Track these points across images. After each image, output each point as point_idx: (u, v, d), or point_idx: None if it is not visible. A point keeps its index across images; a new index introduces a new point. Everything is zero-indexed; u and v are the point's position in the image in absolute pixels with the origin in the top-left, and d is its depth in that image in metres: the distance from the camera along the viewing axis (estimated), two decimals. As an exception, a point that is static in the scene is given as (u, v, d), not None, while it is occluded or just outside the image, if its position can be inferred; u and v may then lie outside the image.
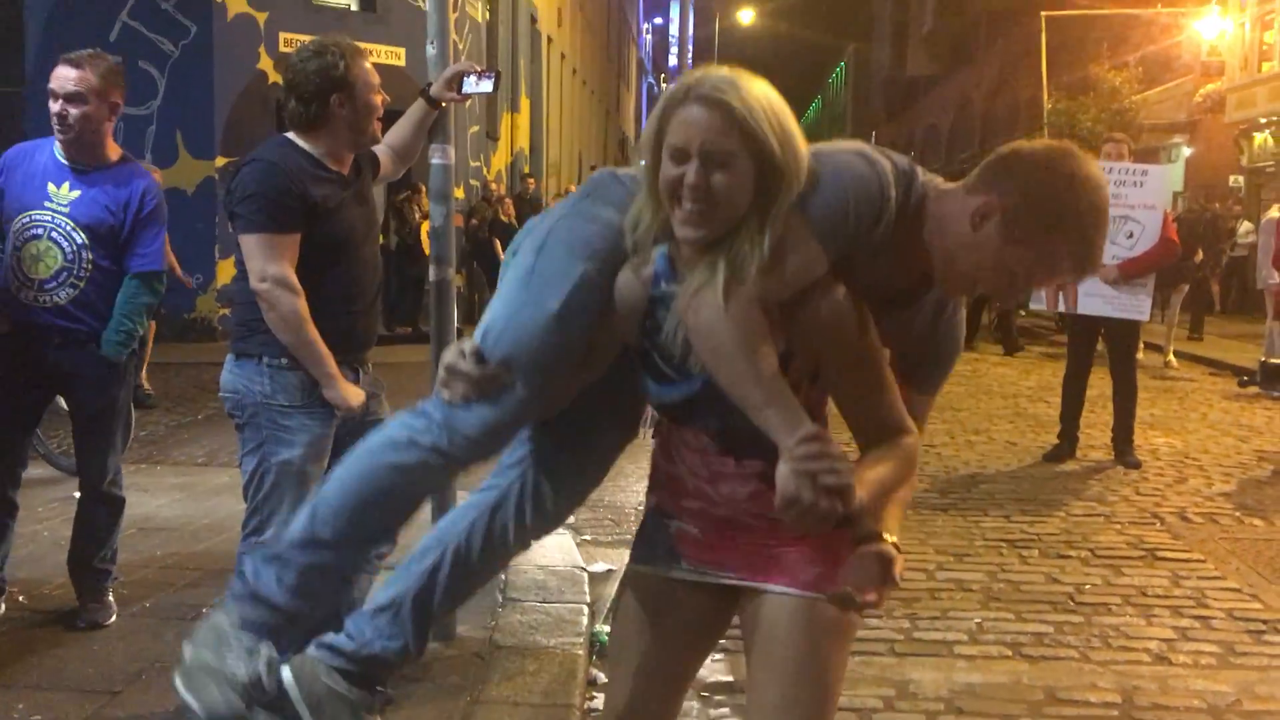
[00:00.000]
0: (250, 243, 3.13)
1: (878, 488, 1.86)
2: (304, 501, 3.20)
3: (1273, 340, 10.52)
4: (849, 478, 1.71)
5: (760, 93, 1.85)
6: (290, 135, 3.27)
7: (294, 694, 2.03)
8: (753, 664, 2.05)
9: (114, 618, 4.02)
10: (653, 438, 2.18)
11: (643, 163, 1.97)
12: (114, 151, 3.96)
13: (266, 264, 3.08)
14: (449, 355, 2.04)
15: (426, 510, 3.82)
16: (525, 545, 2.25)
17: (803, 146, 1.89)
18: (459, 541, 2.16)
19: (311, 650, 2.10)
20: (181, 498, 5.81)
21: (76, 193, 3.84)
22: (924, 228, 1.98)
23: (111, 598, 4.08)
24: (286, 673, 2.04)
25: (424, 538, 2.23)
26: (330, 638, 2.11)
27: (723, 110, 1.81)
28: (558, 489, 2.19)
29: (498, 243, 14.01)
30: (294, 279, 3.10)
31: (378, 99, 3.27)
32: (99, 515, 4.07)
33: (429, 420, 2.06)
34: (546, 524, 2.23)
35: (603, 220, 2.03)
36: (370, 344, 3.44)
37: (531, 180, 18.44)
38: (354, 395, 3.20)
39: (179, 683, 2.06)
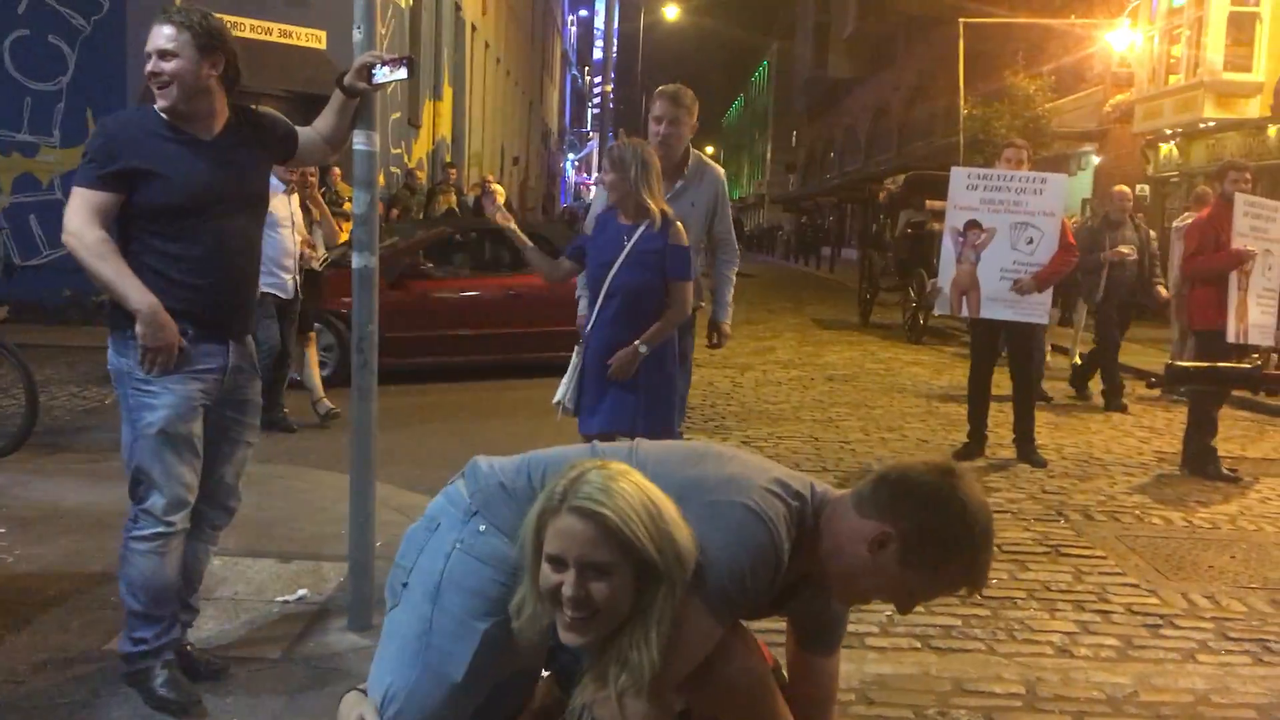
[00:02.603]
0: (70, 195, 3.23)
1: None
2: (178, 463, 3.23)
3: (1181, 346, 10.80)
4: None
5: (635, 497, 1.82)
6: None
7: None
8: None
9: None
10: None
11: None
12: None
13: (70, 217, 3.18)
14: None
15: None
16: None
17: (685, 539, 1.86)
18: None
19: None
20: (87, 484, 5.66)
21: None
22: (819, 545, 2.03)
23: None
24: None
25: None
26: None
27: (596, 521, 1.79)
28: None
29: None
30: (85, 225, 3.14)
31: (150, 66, 3.22)
32: None
33: None
34: None
35: (498, 558, 1.98)
36: (236, 318, 3.40)
37: (454, 170, 18.30)
38: (158, 334, 3.14)
39: None
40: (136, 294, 3.14)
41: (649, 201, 4.49)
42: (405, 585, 2.05)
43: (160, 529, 3.24)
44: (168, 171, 3.20)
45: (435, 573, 1.99)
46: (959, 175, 7.64)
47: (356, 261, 3.76)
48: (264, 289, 6.80)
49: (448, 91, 22.19)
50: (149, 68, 3.22)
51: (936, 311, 7.76)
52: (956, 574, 1.99)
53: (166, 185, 3.20)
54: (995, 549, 2.07)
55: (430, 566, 2.00)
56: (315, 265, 7.92)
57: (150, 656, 3.26)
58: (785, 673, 2.26)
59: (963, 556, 1.97)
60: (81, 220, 3.16)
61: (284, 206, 7.27)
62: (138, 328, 3.15)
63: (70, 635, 3.72)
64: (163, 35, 3.20)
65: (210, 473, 3.45)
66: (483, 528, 2.01)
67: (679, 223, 4.60)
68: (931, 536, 1.95)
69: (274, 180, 6.91)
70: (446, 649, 1.95)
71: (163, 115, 3.25)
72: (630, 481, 1.85)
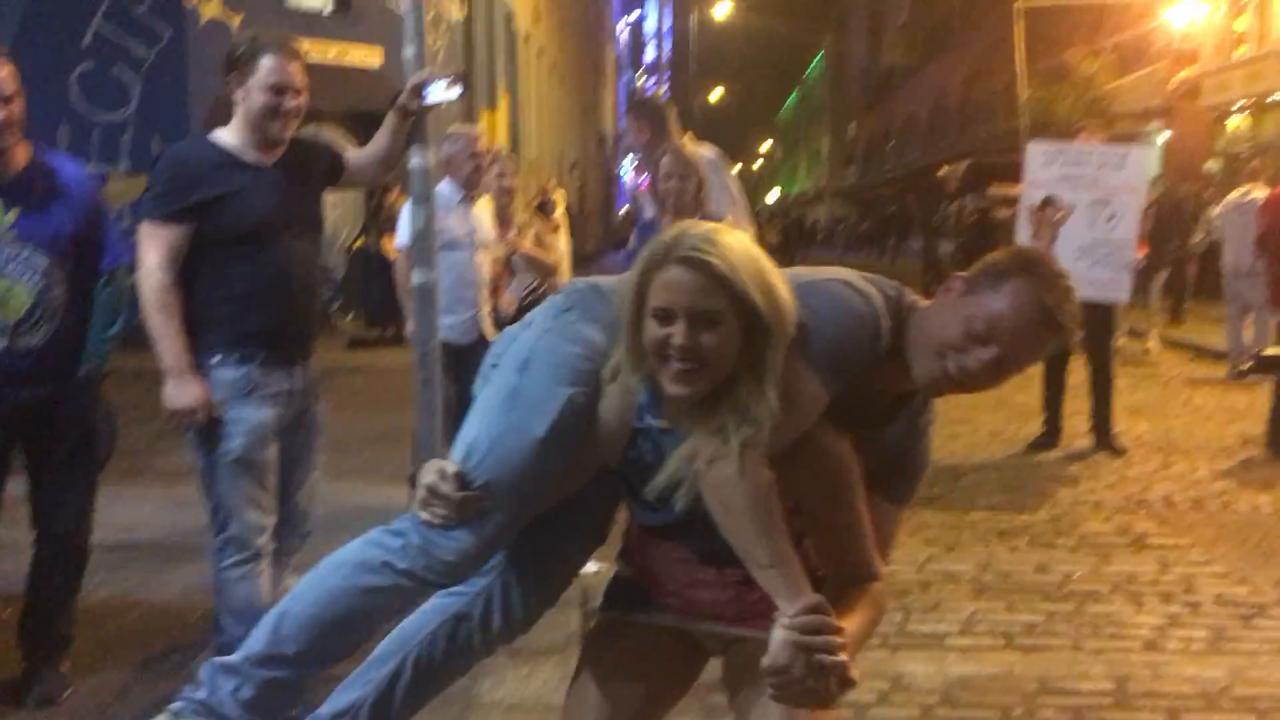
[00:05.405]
0: (140, 230, 3.24)
1: (856, 644, 1.89)
2: (256, 489, 3.28)
3: (1264, 328, 10.37)
4: (843, 658, 1.72)
5: (740, 248, 1.86)
6: (216, 131, 3.36)
7: None
8: (750, 704, 2.04)
9: (68, 692, 3.47)
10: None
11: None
12: (23, 150, 3.35)
13: (146, 254, 3.20)
14: (429, 476, 2.01)
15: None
16: (490, 651, 2.25)
17: (786, 293, 1.88)
18: (421, 651, 2.16)
19: None
20: (165, 508, 5.75)
21: (14, 211, 3.26)
22: (906, 335, 1.99)
23: (67, 665, 3.54)
24: None
25: (384, 641, 2.21)
26: None
27: (706, 270, 1.81)
28: (527, 597, 2.20)
29: None
30: (160, 269, 3.17)
31: (276, 100, 3.24)
32: (61, 572, 3.51)
33: (405, 542, 2.03)
34: (514, 631, 2.23)
35: (586, 340, 2.01)
36: (302, 342, 3.46)
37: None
38: (182, 397, 3.18)
39: None
40: (171, 355, 3.18)
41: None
42: (494, 366, 2.11)
43: (246, 554, 3.30)
44: (238, 200, 3.24)
45: (525, 350, 2.06)
46: (1035, 151, 7.45)
47: (416, 278, 3.76)
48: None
49: (503, 100, 22.32)
50: (287, 104, 3.26)
51: None
52: (1018, 290, 1.90)
53: (237, 213, 3.23)
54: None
55: (520, 348, 2.07)
56: (504, 306, 5.85)
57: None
58: None
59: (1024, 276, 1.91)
60: (154, 261, 3.19)
61: (461, 222, 5.32)
62: (165, 387, 3.20)
63: (152, 659, 3.77)
64: (299, 71, 3.29)
65: (284, 500, 3.47)
66: (574, 317, 2.06)
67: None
68: (986, 265, 1.96)
69: (445, 190, 5.12)
70: (532, 407, 1.98)
71: (221, 145, 3.30)
72: (733, 235, 1.90)
